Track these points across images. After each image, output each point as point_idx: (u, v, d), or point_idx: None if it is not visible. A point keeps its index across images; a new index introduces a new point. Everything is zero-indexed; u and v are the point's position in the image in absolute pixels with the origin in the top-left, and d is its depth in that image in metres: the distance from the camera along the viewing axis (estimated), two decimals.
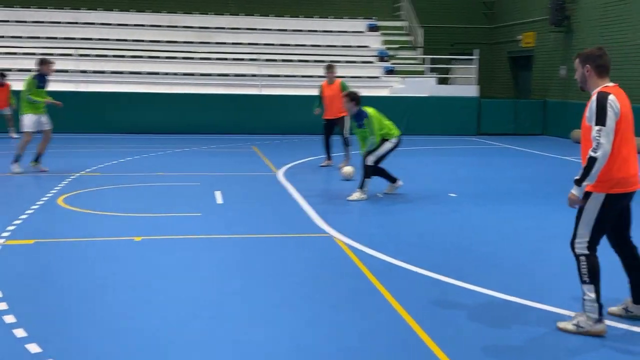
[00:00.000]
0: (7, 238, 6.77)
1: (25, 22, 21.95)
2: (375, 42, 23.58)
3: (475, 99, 20.98)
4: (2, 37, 21.18)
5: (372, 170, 9.46)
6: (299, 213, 8.38)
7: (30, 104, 11.21)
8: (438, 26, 25.41)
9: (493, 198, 9.73)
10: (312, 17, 24.10)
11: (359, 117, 9.48)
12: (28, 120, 11.30)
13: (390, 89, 21.23)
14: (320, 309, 4.95)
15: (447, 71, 23.71)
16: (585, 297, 4.53)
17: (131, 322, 4.64)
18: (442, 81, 21.99)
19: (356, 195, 9.31)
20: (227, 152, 15.37)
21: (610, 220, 4.58)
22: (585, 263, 4.51)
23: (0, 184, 10.42)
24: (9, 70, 18.81)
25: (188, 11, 23.54)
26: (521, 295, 5.27)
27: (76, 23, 22.25)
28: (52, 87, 12.07)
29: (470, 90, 21.25)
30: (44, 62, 11.36)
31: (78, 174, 11.25)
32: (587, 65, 4.54)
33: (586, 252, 4.52)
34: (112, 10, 23.07)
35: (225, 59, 21.47)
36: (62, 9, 22.77)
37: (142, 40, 21.88)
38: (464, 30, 26.22)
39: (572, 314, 4.76)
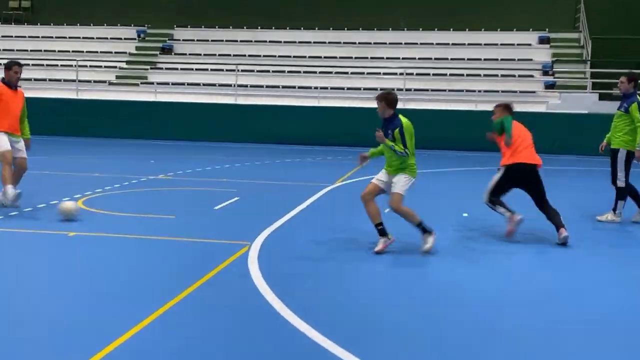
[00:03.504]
0: None
1: (207, 40, 24.32)
2: (542, 55, 22.04)
3: None
4: (190, 53, 23.73)
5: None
6: (261, 223, 8.36)
7: None
8: (621, 38, 22.83)
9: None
10: (479, 31, 23.21)
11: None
12: None
13: (547, 105, 19.70)
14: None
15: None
16: None
17: None
18: (606, 97, 19.78)
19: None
20: (337, 163, 15.67)
21: None
22: None
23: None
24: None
25: (354, 27, 24.05)
26: None
27: (251, 41, 24.05)
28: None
29: None
30: None
31: (153, 177, 12.39)
32: None
33: None
34: (285, 29, 24.47)
35: (378, 74, 21.65)
36: (242, 28, 24.72)
37: (304, 57, 22.95)
38: None
39: None
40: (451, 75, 21.32)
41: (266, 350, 4.40)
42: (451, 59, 22.14)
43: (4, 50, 24.51)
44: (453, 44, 22.79)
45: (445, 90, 20.67)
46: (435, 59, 22.22)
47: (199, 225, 8.24)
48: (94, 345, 4.32)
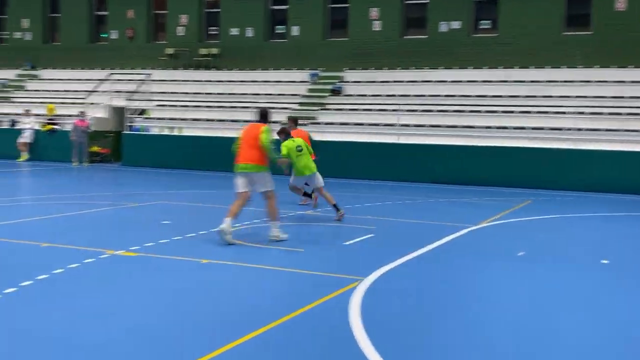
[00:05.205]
0: (128, 250, 8.77)
1: (374, 81, 24.99)
2: None
3: None
4: (358, 94, 24.57)
5: None
6: (383, 260, 8.49)
7: None
8: None
9: None
10: None
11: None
12: None
13: None
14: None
15: None
16: None
17: None
18: None
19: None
20: (491, 204, 15.33)
21: None
22: None
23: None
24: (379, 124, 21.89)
25: (525, 66, 23.45)
26: None
27: (417, 81, 24.33)
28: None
29: None
30: None
31: (302, 212, 13.00)
32: None
33: None
34: (452, 69, 24.48)
35: (547, 113, 20.91)
36: (409, 69, 25.12)
37: (469, 96, 22.78)
38: None
39: None
40: (628, 114, 20.02)
41: None
42: (629, 97, 20.80)
43: (194, 93, 26.98)
44: (631, 82, 21.40)
45: (619, 130, 19.46)
46: (611, 97, 21.00)
47: (321, 258, 8.57)
48: None
